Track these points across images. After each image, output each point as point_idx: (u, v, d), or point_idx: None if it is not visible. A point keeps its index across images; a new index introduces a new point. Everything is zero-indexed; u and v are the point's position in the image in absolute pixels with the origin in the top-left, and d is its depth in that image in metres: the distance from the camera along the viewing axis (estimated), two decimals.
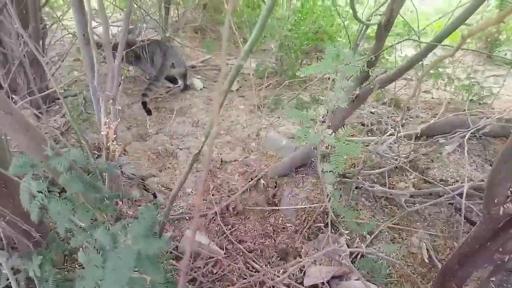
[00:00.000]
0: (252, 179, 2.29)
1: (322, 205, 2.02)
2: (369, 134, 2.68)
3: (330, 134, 1.02)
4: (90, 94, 1.12)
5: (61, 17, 2.42)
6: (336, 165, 0.93)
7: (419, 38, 1.81)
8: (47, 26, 2.66)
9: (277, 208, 2.12)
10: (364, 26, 1.85)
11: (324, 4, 2.97)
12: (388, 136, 2.34)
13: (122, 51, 0.86)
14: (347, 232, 1.95)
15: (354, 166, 2.33)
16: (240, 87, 3.42)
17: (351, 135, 2.69)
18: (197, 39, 4.54)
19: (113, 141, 0.96)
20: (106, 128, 0.92)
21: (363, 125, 2.78)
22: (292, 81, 3.21)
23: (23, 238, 1.42)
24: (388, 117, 2.76)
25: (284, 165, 2.29)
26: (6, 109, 0.88)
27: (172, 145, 2.63)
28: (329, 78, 3.53)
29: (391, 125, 2.49)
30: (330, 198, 2.13)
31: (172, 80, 3.44)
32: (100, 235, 0.73)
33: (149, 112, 2.85)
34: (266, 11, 0.67)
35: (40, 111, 2.45)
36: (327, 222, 2.02)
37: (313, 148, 2.25)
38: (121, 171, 2.36)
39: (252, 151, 2.55)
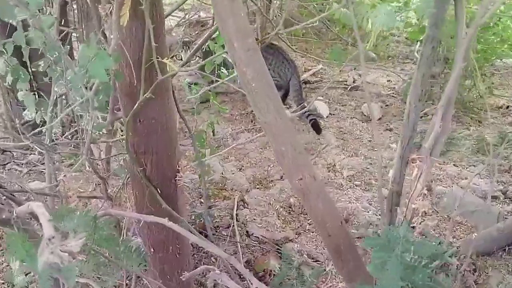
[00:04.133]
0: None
1: None
2: None
3: None
4: None
5: None
6: None
7: None
8: None
9: None
10: None
11: None
12: None
13: None
14: None
15: None
16: (383, 115, 3.67)
17: None
18: (293, 42, 4.91)
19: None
20: (419, 199, 1.17)
21: None
22: (463, 111, 3.42)
23: None
24: None
25: (488, 238, 2.46)
26: None
27: None
28: None
29: None
30: None
31: (282, 100, 3.78)
32: None
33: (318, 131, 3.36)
34: None
35: None
36: None
37: None
38: (247, 231, 2.65)
39: (425, 214, 2.74)
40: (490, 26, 3.32)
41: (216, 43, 2.55)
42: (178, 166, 1.58)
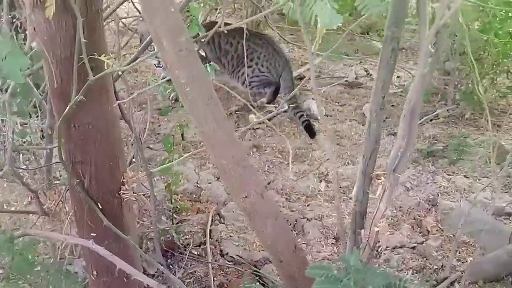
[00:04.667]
0: (438, 282, 2.47)
1: None
2: None
3: None
4: None
5: None
6: None
7: None
8: None
9: None
10: None
11: None
12: None
13: None
14: None
15: None
16: (387, 117, 3.68)
17: None
18: (290, 32, 4.92)
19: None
20: (382, 221, 1.18)
21: None
22: (481, 114, 3.41)
23: None
24: None
25: (496, 262, 2.45)
26: None
27: (292, 210, 2.90)
28: None
29: None
30: None
31: (272, 97, 3.79)
32: None
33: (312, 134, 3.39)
34: None
35: None
36: None
37: None
38: (221, 250, 2.66)
39: (429, 232, 2.74)
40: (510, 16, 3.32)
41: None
42: (123, 178, 1.59)
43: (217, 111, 1.10)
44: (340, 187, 3.07)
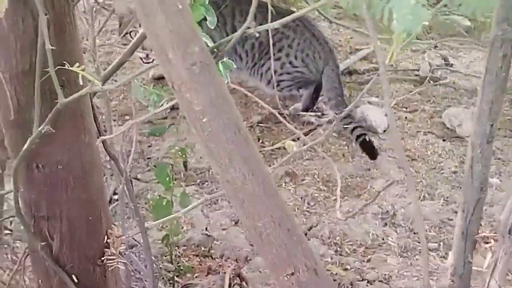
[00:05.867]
0: None
1: None
2: None
3: None
4: None
5: None
6: None
7: None
8: None
9: None
10: None
11: None
12: None
13: None
14: None
15: None
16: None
17: None
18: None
19: None
20: None
21: None
22: None
23: None
24: None
25: None
26: None
27: (345, 268, 2.87)
28: None
29: None
30: None
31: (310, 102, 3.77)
32: None
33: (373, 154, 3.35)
34: None
35: None
36: None
37: None
38: None
39: None
40: None
41: None
42: (108, 238, 1.58)
43: (248, 149, 1.08)
44: (414, 233, 3.03)
